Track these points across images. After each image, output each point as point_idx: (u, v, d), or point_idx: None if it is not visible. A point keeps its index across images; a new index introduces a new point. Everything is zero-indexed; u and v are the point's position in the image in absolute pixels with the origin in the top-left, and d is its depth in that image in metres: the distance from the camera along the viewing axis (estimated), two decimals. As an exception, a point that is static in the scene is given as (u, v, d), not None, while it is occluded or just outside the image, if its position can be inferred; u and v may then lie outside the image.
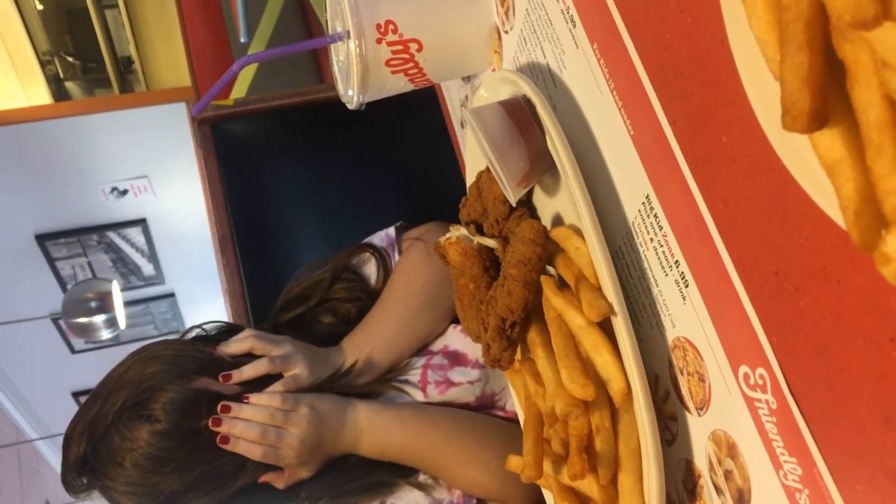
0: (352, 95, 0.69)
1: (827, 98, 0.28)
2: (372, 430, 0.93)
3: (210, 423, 0.86)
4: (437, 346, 1.03)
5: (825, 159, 0.29)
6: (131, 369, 0.92)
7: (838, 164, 0.29)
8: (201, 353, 0.93)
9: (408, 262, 1.06)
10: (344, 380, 0.96)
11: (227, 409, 0.87)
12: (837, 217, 0.32)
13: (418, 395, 1.00)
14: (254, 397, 0.88)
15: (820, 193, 0.33)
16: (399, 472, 0.97)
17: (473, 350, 1.02)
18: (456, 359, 1.02)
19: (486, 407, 1.03)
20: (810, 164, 0.32)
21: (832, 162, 0.29)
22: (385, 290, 1.05)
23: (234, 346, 0.94)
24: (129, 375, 0.91)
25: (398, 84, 0.69)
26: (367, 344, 0.99)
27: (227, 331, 1.04)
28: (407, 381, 1.00)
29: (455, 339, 1.03)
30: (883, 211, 0.27)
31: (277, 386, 0.90)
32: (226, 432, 0.86)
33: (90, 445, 0.88)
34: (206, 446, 0.87)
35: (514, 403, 0.74)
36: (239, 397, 0.89)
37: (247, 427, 0.87)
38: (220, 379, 0.91)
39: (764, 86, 0.35)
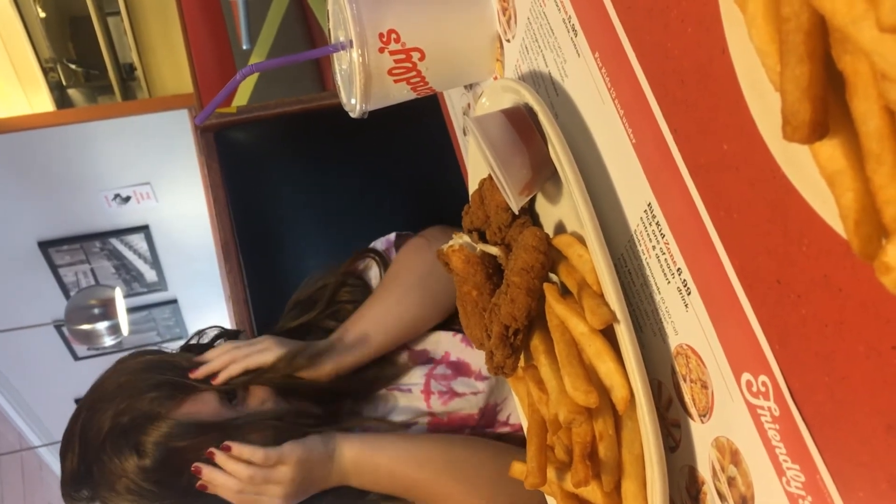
0: (354, 104, 0.69)
1: (827, 109, 0.28)
2: (360, 472, 0.92)
3: (192, 469, 0.86)
4: (439, 353, 1.03)
5: (825, 169, 0.30)
6: (118, 376, 0.94)
7: (838, 174, 0.29)
8: (185, 369, 0.94)
9: (399, 254, 1.08)
10: (328, 356, 0.96)
11: (212, 455, 0.87)
12: (838, 226, 0.32)
13: (421, 406, 0.99)
14: (236, 448, 0.86)
15: (821, 203, 0.33)
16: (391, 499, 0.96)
17: (476, 360, 1.02)
18: (459, 369, 1.02)
19: (488, 417, 1.03)
20: (811, 173, 0.32)
21: (832, 172, 0.29)
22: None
23: (212, 366, 0.94)
24: (111, 388, 0.92)
25: (401, 93, 0.70)
26: (351, 324, 1.00)
27: (227, 336, 1.04)
28: (410, 391, 1.00)
29: (457, 347, 1.03)
30: (883, 220, 0.27)
31: (258, 452, 0.86)
32: (207, 481, 0.87)
33: (83, 465, 0.90)
34: (194, 487, 0.88)
35: (518, 410, 0.74)
36: (223, 438, 0.88)
37: (227, 480, 0.86)
38: (189, 375, 0.92)
39: (764, 96, 0.35)
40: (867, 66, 0.27)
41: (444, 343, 1.04)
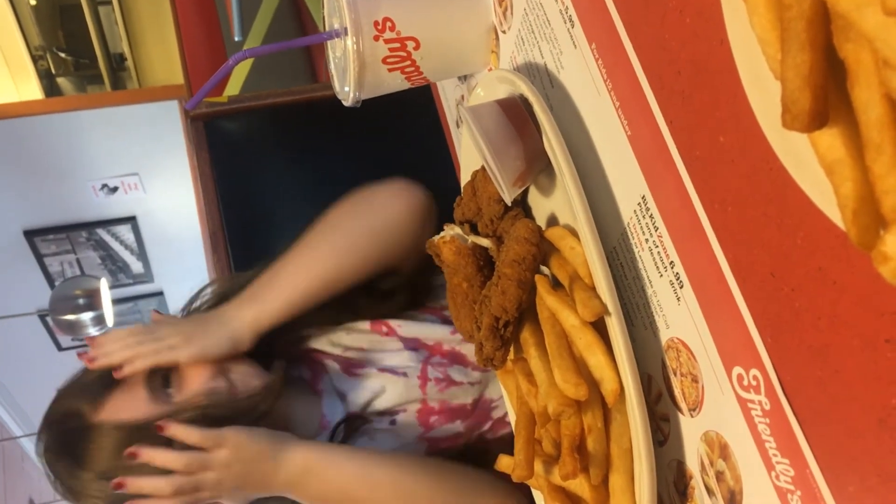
0: (348, 92, 0.68)
1: (827, 97, 0.28)
2: (307, 483, 0.84)
3: (113, 486, 0.78)
4: (430, 342, 1.02)
5: (825, 158, 0.29)
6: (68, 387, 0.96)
7: (838, 163, 0.29)
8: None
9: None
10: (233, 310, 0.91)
11: (134, 456, 0.78)
12: (835, 217, 0.32)
13: (416, 392, 0.98)
14: (171, 428, 0.78)
15: (818, 193, 0.33)
16: None
17: (471, 352, 1.01)
18: (455, 358, 1.01)
19: (482, 412, 1.02)
20: (809, 163, 0.32)
21: (831, 161, 0.29)
22: None
23: (114, 357, 0.87)
24: (69, 381, 0.96)
25: (395, 82, 0.69)
26: (266, 279, 0.96)
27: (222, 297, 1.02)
28: (405, 375, 0.99)
29: (450, 339, 1.02)
30: (881, 210, 0.27)
31: (193, 433, 0.79)
32: (134, 491, 0.78)
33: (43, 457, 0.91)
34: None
35: (506, 404, 0.74)
36: (155, 425, 0.81)
37: (156, 483, 0.78)
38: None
39: (764, 85, 0.35)
40: (869, 55, 0.26)
41: (437, 334, 1.03)
